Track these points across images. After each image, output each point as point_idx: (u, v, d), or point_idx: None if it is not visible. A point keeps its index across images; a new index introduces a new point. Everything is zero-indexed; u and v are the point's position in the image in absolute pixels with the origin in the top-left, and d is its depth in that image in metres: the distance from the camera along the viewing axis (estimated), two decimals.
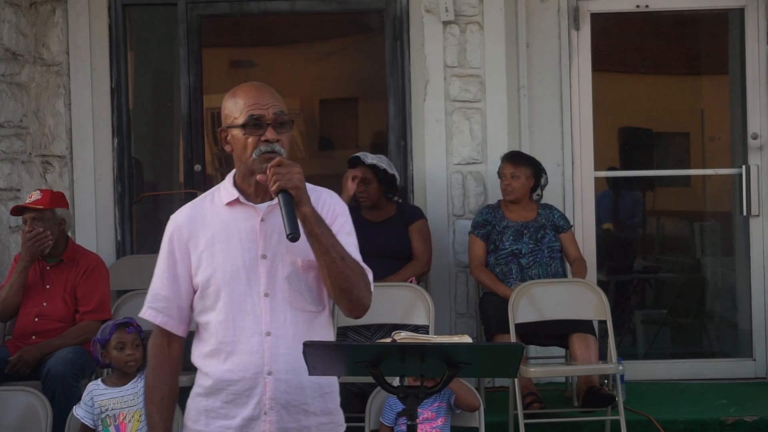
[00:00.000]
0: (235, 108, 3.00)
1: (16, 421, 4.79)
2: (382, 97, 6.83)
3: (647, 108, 8.43)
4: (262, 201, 3.04)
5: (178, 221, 3.07)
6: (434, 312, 5.69)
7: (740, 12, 6.80)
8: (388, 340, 2.86)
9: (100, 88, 6.73)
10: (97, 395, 4.63)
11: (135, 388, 4.63)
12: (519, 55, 6.68)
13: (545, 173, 6.31)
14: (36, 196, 5.68)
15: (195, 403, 3.07)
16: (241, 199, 3.04)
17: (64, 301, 5.59)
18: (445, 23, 6.58)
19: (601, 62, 7.09)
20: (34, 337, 5.52)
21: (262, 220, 3.02)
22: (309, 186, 3.02)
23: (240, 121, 2.98)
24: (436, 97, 6.62)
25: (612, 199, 7.95)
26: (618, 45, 7.86)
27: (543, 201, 6.37)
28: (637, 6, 6.83)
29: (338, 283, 2.94)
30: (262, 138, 2.96)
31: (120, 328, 4.67)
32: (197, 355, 3.08)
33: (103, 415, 4.59)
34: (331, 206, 3.07)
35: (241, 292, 2.99)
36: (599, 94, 6.89)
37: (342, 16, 7.41)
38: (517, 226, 6.15)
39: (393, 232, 6.22)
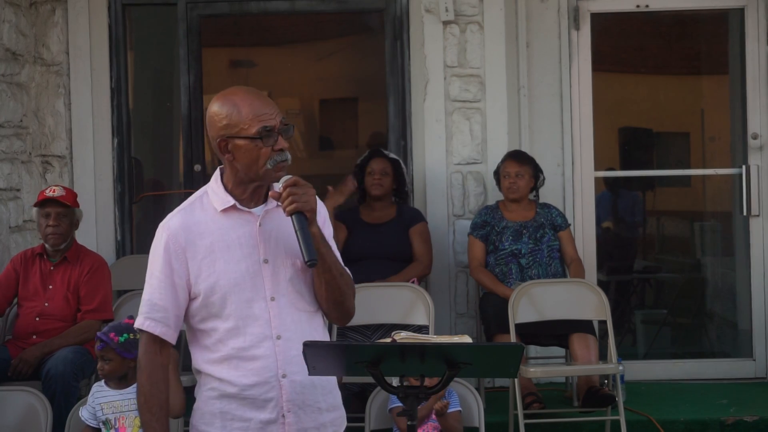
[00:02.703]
0: (238, 118, 2.96)
1: (16, 421, 4.79)
2: (382, 97, 6.83)
3: (647, 108, 8.44)
4: (256, 205, 3.04)
5: (172, 229, 3.02)
6: (434, 312, 5.69)
7: (740, 12, 6.79)
8: (388, 340, 2.86)
9: (100, 88, 6.73)
10: (99, 397, 4.63)
11: (135, 393, 4.61)
12: (519, 55, 6.68)
13: (542, 174, 6.32)
14: (59, 191, 5.65)
15: (208, 406, 3.04)
16: (238, 205, 3.02)
17: (67, 300, 5.60)
18: (445, 23, 6.58)
19: (601, 62, 7.08)
20: (35, 337, 5.52)
21: (260, 225, 3.02)
22: None
23: (250, 132, 2.95)
24: (436, 97, 6.62)
25: (612, 199, 7.95)
26: (618, 45, 7.86)
27: (542, 200, 6.37)
28: (637, 6, 6.83)
29: (334, 298, 2.99)
30: (275, 147, 2.95)
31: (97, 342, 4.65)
32: (203, 361, 3.05)
33: (103, 417, 4.58)
34: (318, 208, 3.05)
35: (247, 298, 2.99)
36: (599, 94, 6.89)
37: (342, 16, 7.42)
38: (516, 226, 6.16)
39: (393, 234, 6.24)
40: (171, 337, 3.04)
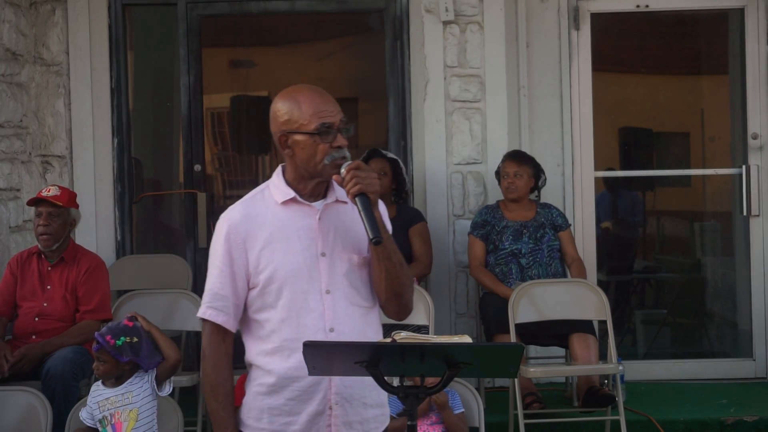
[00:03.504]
0: (299, 114, 3.04)
1: (16, 421, 4.78)
2: (382, 97, 6.83)
3: (647, 108, 8.43)
4: (316, 200, 3.11)
5: (233, 220, 3.10)
6: (434, 312, 5.68)
7: (740, 12, 6.80)
8: (388, 340, 2.86)
9: (100, 88, 6.73)
10: (96, 396, 4.64)
11: (128, 387, 4.62)
12: (519, 55, 6.68)
13: (544, 174, 6.32)
14: (54, 191, 5.65)
15: (257, 401, 3.10)
16: (298, 198, 3.09)
17: (65, 300, 5.60)
18: (445, 23, 6.58)
19: (601, 62, 7.08)
20: (34, 337, 5.53)
21: (319, 218, 3.09)
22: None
23: (309, 128, 3.03)
24: (436, 97, 6.62)
25: (612, 199, 7.95)
26: (618, 45, 7.86)
27: (543, 200, 6.37)
28: (637, 6, 6.83)
29: (393, 287, 3.06)
30: (334, 144, 3.03)
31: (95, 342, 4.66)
32: (256, 353, 3.10)
33: (100, 416, 4.59)
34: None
35: (303, 289, 3.04)
36: (599, 94, 6.89)
37: (342, 16, 7.41)
38: (517, 226, 6.16)
39: (393, 234, 6.22)
40: (232, 326, 3.11)
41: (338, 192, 3.12)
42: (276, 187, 3.13)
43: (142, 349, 4.60)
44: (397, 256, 3.07)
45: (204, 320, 3.11)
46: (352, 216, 3.10)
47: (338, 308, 3.05)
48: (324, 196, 3.12)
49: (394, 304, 3.11)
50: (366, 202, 2.95)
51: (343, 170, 2.99)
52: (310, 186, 3.10)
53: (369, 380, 3.01)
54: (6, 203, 6.38)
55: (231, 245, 3.08)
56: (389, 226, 3.15)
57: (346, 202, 3.10)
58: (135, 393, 4.59)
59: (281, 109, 3.07)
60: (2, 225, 6.33)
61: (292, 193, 3.09)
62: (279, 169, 3.17)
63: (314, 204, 3.10)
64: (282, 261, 3.04)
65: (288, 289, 3.04)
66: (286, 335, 3.03)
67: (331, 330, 3.03)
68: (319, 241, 3.07)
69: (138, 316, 4.72)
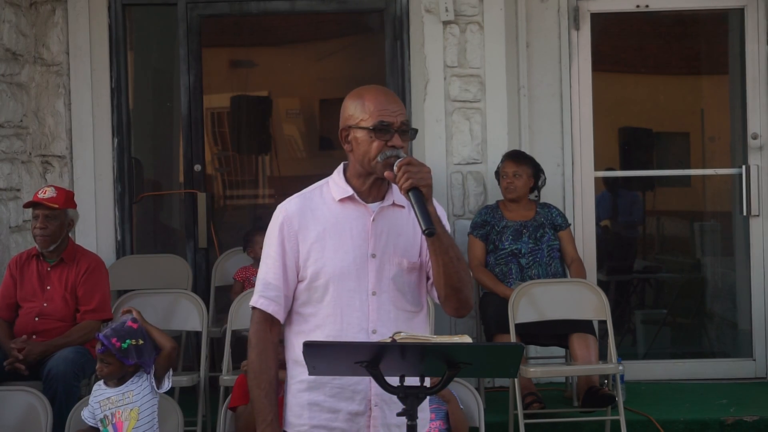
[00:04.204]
0: (362, 110, 3.08)
1: (16, 421, 4.79)
2: None
3: (647, 108, 8.44)
4: (374, 201, 3.14)
5: (289, 211, 3.13)
6: (434, 312, 5.68)
7: (740, 12, 6.80)
8: (388, 339, 2.86)
9: (100, 88, 6.73)
10: (97, 395, 4.64)
11: (129, 387, 4.62)
12: (519, 55, 6.68)
13: (543, 174, 6.33)
14: (50, 192, 5.65)
15: (297, 398, 3.12)
16: (355, 196, 3.12)
17: (65, 300, 5.60)
18: (445, 23, 6.58)
19: (601, 62, 7.08)
20: (34, 337, 5.53)
21: (373, 220, 3.11)
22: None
23: (368, 124, 3.06)
24: (436, 97, 6.62)
25: (612, 199, 7.95)
26: (618, 45, 7.86)
27: (543, 200, 6.38)
28: (637, 6, 6.83)
29: (452, 283, 3.04)
30: (389, 143, 3.05)
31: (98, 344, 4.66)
32: (298, 348, 3.08)
33: (101, 415, 4.59)
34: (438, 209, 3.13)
35: (350, 288, 3.07)
36: (599, 94, 6.89)
37: (342, 16, 7.42)
38: (516, 226, 6.16)
39: None
40: (282, 316, 3.14)
41: (396, 195, 3.14)
42: (335, 184, 3.17)
43: (146, 351, 4.61)
44: (455, 250, 3.04)
45: (254, 308, 3.15)
46: (406, 220, 3.13)
47: (382, 311, 3.08)
48: (382, 198, 3.14)
49: (453, 300, 3.08)
50: (419, 196, 2.96)
51: (395, 167, 3.00)
52: (368, 184, 3.12)
53: None
54: (6, 203, 6.38)
55: (284, 236, 3.11)
56: (447, 226, 3.13)
57: (403, 206, 3.13)
58: (135, 392, 4.60)
59: (347, 106, 3.13)
60: (2, 225, 6.34)
61: (350, 191, 3.12)
62: (340, 167, 3.21)
63: (370, 205, 3.13)
64: (332, 257, 3.07)
65: (334, 286, 3.07)
66: (330, 332, 3.06)
67: (374, 332, 3.06)
68: (371, 242, 3.09)
69: (133, 310, 4.74)
